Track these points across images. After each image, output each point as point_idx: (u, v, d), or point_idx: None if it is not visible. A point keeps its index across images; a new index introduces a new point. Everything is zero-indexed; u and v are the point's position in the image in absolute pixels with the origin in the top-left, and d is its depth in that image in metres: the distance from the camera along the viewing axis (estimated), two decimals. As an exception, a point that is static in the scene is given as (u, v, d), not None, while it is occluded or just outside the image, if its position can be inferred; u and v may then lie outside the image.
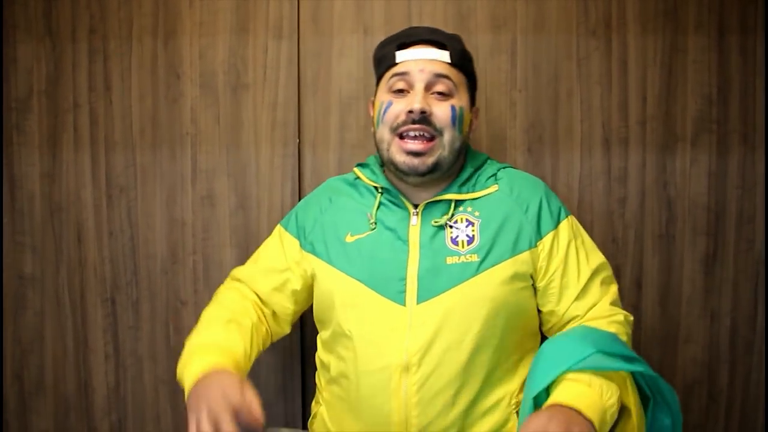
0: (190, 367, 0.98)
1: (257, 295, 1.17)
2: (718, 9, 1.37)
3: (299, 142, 1.41)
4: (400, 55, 1.07)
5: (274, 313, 1.17)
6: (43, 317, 1.45)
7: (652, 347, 1.39)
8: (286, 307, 1.17)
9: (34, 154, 1.44)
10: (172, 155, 1.42)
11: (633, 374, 0.96)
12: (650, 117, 1.38)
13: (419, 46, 1.08)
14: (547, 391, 0.94)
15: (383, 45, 1.14)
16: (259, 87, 1.41)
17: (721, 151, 1.38)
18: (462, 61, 1.10)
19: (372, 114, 1.14)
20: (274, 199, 1.42)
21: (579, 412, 0.86)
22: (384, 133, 1.07)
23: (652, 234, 1.39)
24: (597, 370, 0.92)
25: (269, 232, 1.40)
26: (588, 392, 0.89)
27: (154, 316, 1.44)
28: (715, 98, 1.37)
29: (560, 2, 1.38)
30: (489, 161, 1.16)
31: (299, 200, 1.41)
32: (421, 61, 1.06)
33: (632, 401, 0.95)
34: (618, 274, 1.37)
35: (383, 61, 1.11)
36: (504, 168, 1.15)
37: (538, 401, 0.94)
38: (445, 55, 1.07)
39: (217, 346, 1.02)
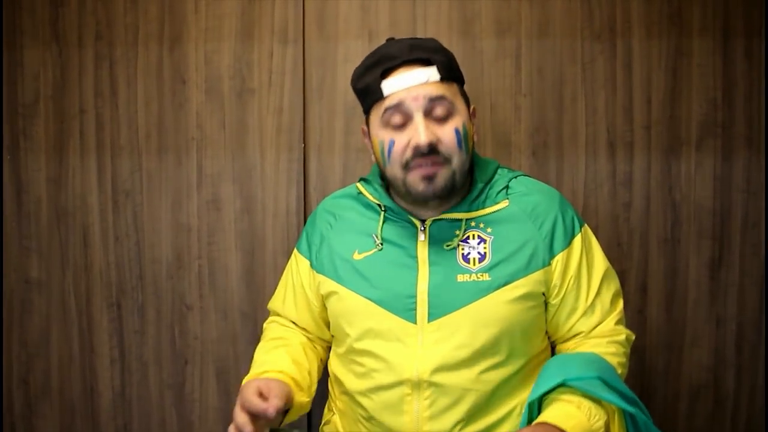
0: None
1: (294, 323, 1.19)
2: (723, 12, 1.37)
3: (304, 147, 1.42)
4: (387, 87, 0.99)
5: (318, 337, 1.19)
6: (49, 321, 1.46)
7: (657, 352, 1.39)
8: (322, 328, 1.18)
9: (40, 159, 1.44)
10: (177, 160, 1.43)
11: (624, 420, 0.95)
12: (655, 121, 1.38)
13: (403, 69, 1.00)
14: (539, 409, 0.96)
15: (363, 72, 1.05)
16: (264, 92, 1.41)
17: (726, 155, 1.38)
18: (450, 72, 1.02)
19: (368, 144, 1.09)
20: (280, 204, 1.42)
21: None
22: (395, 171, 1.01)
23: (657, 238, 1.39)
24: (588, 394, 0.93)
25: (274, 237, 1.42)
26: (576, 414, 0.91)
27: (159, 320, 1.44)
28: (720, 102, 1.37)
29: (565, 6, 1.38)
30: (499, 171, 1.11)
31: (304, 205, 1.42)
32: (412, 88, 0.98)
33: None
34: (623, 279, 1.37)
35: (368, 93, 1.03)
36: (517, 177, 1.10)
37: (532, 414, 0.95)
38: (433, 73, 0.99)
39: (256, 366, 1.07)
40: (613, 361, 1.02)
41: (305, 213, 1.42)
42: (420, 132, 0.97)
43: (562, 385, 0.95)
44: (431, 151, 0.98)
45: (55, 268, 1.45)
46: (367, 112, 1.07)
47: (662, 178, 1.38)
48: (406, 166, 1.00)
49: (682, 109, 1.38)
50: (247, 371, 1.42)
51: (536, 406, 0.96)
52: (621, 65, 1.38)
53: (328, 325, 1.17)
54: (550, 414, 0.91)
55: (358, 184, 1.15)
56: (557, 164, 1.39)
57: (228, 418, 1.43)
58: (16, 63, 1.44)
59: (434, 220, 1.05)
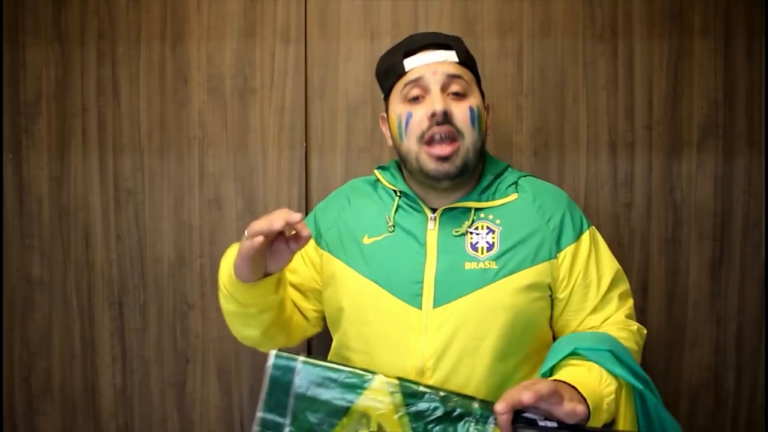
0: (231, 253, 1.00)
1: None
2: (724, 13, 1.37)
3: (306, 146, 1.42)
4: (409, 63, 1.07)
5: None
6: (51, 320, 1.46)
7: (658, 352, 1.39)
8: (307, 307, 1.15)
9: (42, 158, 1.45)
10: (179, 159, 1.43)
11: (633, 397, 0.95)
12: (656, 121, 1.38)
13: (425, 51, 1.07)
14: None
15: (387, 56, 1.12)
16: (266, 91, 1.42)
17: (727, 156, 1.38)
18: (469, 60, 1.10)
19: (386, 130, 1.13)
20: (281, 203, 1.42)
21: (574, 389, 0.86)
22: (411, 144, 1.05)
23: (658, 238, 1.39)
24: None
25: (276, 236, 1.42)
26: (586, 375, 0.91)
27: (161, 319, 1.44)
28: (721, 102, 1.37)
29: (566, 7, 1.38)
30: (510, 170, 1.15)
31: (306, 204, 1.42)
32: (432, 64, 1.05)
33: (622, 408, 0.94)
34: (624, 279, 1.38)
35: (390, 72, 1.09)
36: (525, 177, 1.14)
37: None
38: (452, 55, 1.06)
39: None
40: (625, 344, 1.01)
41: (306, 212, 1.42)
42: (437, 101, 1.02)
43: (572, 355, 0.95)
44: (446, 120, 1.02)
45: (57, 267, 1.45)
46: (387, 94, 1.12)
47: (663, 178, 1.39)
48: (422, 138, 1.04)
49: (683, 109, 1.38)
50: (248, 371, 1.44)
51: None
52: (622, 65, 1.38)
53: (314, 310, 1.15)
54: (559, 375, 0.91)
55: (376, 171, 1.18)
56: (558, 164, 1.39)
57: (229, 417, 1.44)
58: (18, 61, 1.44)
59: (444, 210, 1.07)
